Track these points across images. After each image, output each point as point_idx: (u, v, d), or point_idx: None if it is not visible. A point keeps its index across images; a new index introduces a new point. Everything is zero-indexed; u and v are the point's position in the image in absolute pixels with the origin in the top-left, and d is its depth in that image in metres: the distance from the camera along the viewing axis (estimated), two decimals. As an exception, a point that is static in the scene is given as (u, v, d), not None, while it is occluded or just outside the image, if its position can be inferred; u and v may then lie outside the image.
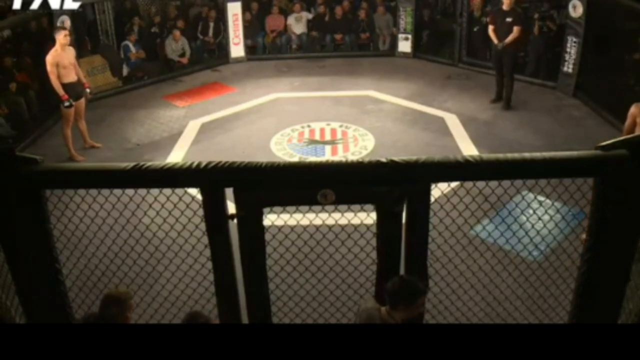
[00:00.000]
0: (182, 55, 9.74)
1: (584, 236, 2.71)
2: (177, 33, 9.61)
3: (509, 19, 7.53)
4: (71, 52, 6.50)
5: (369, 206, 2.59)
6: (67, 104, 6.37)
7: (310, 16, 10.58)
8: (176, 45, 9.68)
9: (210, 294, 2.87)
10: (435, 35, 10.10)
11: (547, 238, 3.47)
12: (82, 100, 6.66)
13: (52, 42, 6.37)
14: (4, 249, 2.58)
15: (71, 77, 6.41)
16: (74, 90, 6.44)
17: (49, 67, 6.24)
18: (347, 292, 3.27)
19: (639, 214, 2.46)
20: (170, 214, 2.98)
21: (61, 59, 6.28)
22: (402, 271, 2.65)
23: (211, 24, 10.11)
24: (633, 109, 4.77)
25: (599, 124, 7.21)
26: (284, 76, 9.53)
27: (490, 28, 7.79)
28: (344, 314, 3.32)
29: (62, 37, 6.26)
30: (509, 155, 2.49)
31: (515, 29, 7.49)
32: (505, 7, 7.61)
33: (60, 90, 6.30)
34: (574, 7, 7.75)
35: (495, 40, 7.72)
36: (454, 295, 3.34)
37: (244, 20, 10.15)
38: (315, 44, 10.45)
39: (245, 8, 10.17)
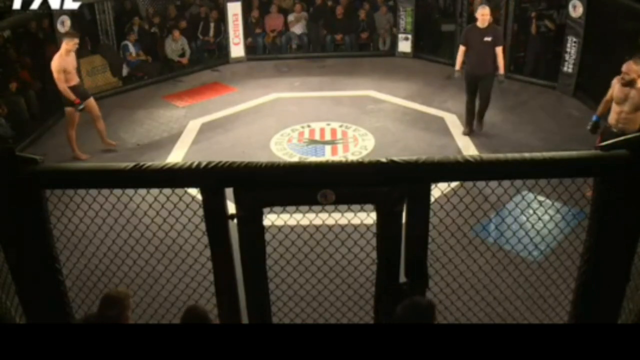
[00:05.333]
0: (182, 55, 9.73)
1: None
2: (176, 33, 9.60)
3: (487, 39, 6.48)
4: (73, 56, 6.55)
5: (369, 206, 2.59)
6: (81, 107, 6.40)
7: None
8: (176, 45, 9.68)
9: (210, 294, 2.87)
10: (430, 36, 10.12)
11: (547, 238, 3.47)
12: (92, 100, 6.68)
13: (52, 42, 6.37)
14: (4, 249, 2.58)
15: (75, 80, 6.47)
16: (79, 92, 6.48)
17: (55, 74, 6.25)
18: (347, 292, 3.27)
19: (639, 214, 2.46)
20: (170, 214, 2.98)
21: (66, 64, 6.31)
22: (402, 271, 2.65)
23: (212, 24, 10.11)
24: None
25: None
26: (284, 76, 9.53)
27: (461, 49, 6.72)
28: (344, 314, 3.32)
29: (71, 45, 6.30)
30: (509, 155, 2.49)
31: (499, 50, 6.54)
32: (480, 24, 6.53)
33: (71, 95, 6.32)
34: (574, 7, 7.74)
35: (457, 65, 6.85)
36: (454, 295, 3.34)
37: (253, 17, 10.21)
38: (315, 44, 10.45)
39: (253, 6, 10.24)
